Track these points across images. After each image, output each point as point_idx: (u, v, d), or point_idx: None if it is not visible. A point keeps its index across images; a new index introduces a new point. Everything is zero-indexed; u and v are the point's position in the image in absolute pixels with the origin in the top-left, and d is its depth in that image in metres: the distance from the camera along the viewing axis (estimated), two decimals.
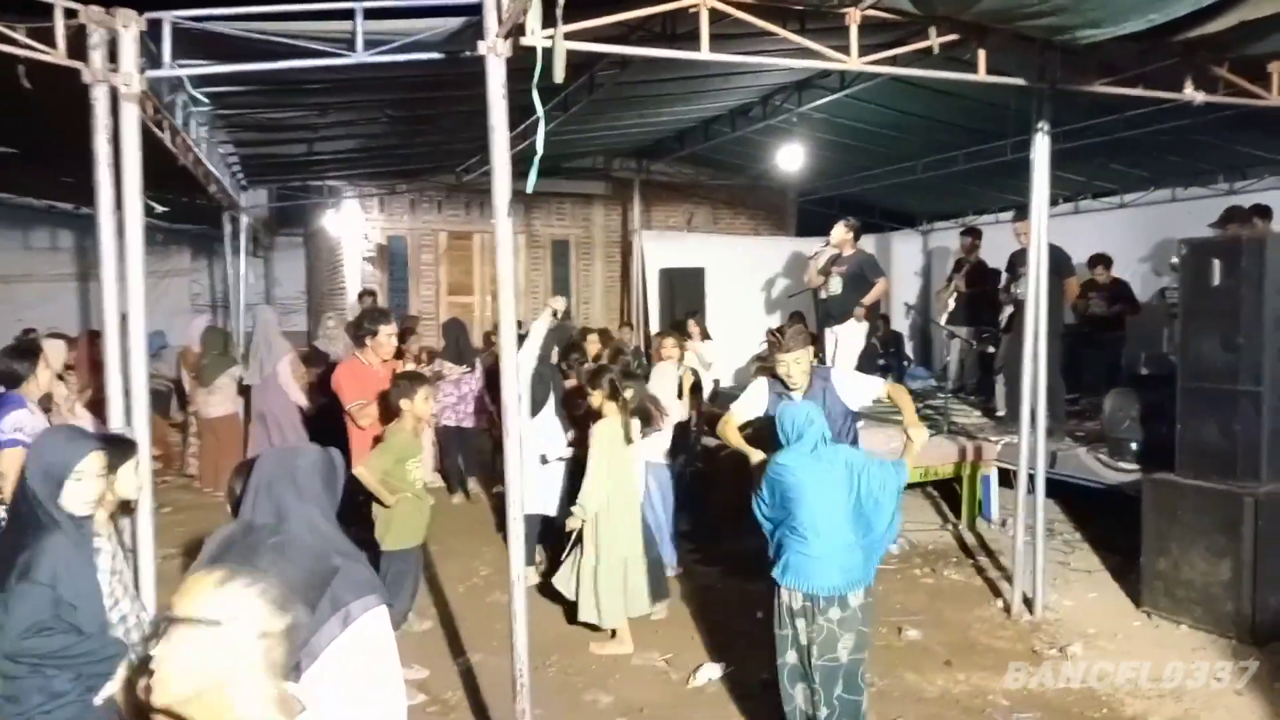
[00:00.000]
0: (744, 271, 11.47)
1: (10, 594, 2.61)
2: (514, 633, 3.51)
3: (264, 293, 13.37)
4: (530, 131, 3.60)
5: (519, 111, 3.67)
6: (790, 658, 3.65)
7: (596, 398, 5.14)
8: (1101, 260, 8.54)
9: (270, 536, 1.53)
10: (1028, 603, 5.45)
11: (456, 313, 11.29)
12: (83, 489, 2.75)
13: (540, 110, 3.44)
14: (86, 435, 2.99)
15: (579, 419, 5.81)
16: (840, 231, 7.77)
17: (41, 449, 2.84)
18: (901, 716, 4.28)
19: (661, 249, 11.74)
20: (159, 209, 4.87)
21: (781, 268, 11.46)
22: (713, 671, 4.67)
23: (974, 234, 9.47)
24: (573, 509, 4.97)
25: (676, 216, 12.97)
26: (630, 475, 5.18)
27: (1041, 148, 5.26)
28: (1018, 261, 8.12)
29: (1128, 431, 6.32)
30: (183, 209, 11.07)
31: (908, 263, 12.69)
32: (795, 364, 4.38)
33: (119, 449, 3.10)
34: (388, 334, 5.22)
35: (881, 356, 10.49)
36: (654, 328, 10.80)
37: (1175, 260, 5.61)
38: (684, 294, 10.96)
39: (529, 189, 3.62)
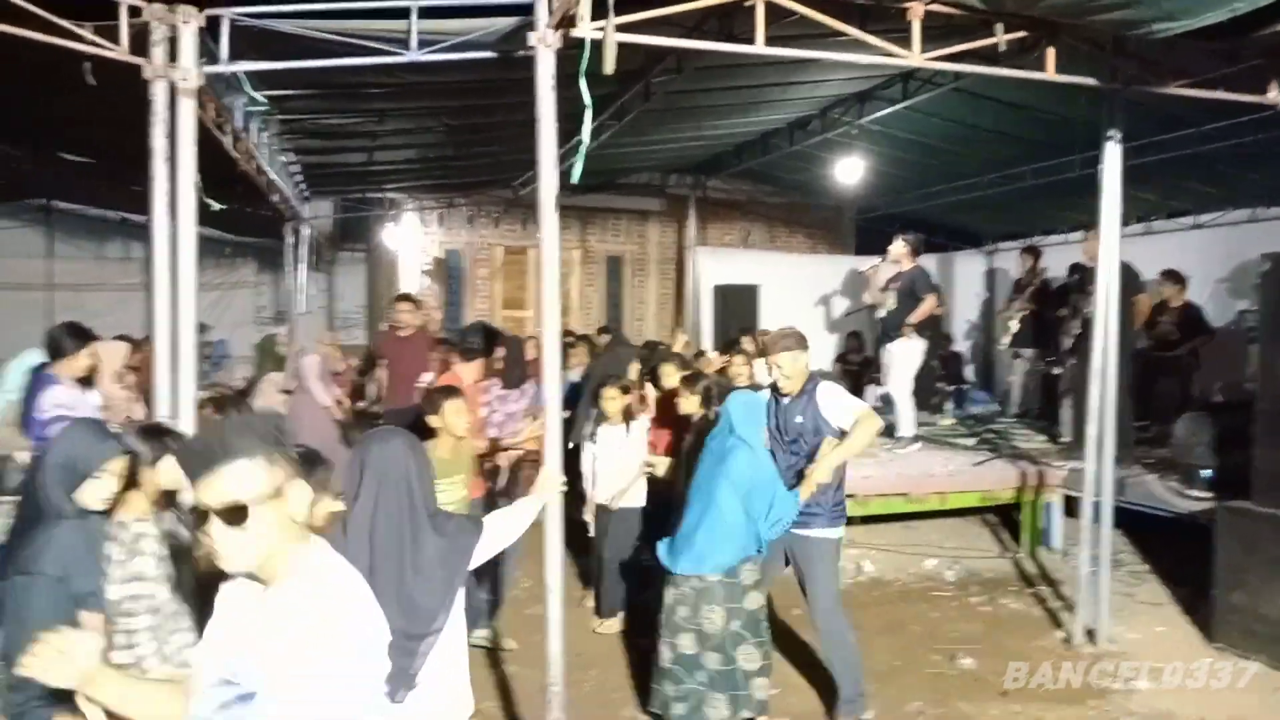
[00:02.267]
0: (799, 290, 11.30)
1: (17, 586, 2.57)
2: (549, 639, 3.42)
3: (326, 306, 13.58)
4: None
5: (571, 120, 3.61)
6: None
7: (690, 403, 4.99)
8: (1172, 277, 8.11)
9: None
10: (1090, 634, 5.19)
11: (511, 327, 11.33)
12: (102, 486, 2.72)
13: (588, 98, 3.38)
14: (113, 434, 2.98)
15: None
16: (899, 247, 7.60)
17: (70, 440, 2.79)
18: None
19: (716, 266, 11.65)
20: (216, 206, 4.92)
21: (838, 286, 11.27)
22: None
23: (1034, 253, 9.19)
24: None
25: (733, 234, 12.87)
26: None
27: (1112, 156, 5.05)
28: (1087, 279, 7.84)
29: (1200, 458, 6.02)
30: (248, 222, 11.34)
31: (971, 283, 12.39)
32: (776, 367, 4.24)
33: (162, 440, 3.09)
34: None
35: (942, 379, 10.22)
36: (707, 345, 10.68)
37: (1259, 279, 5.32)
38: (738, 311, 10.84)
39: (574, 178, 3.56)
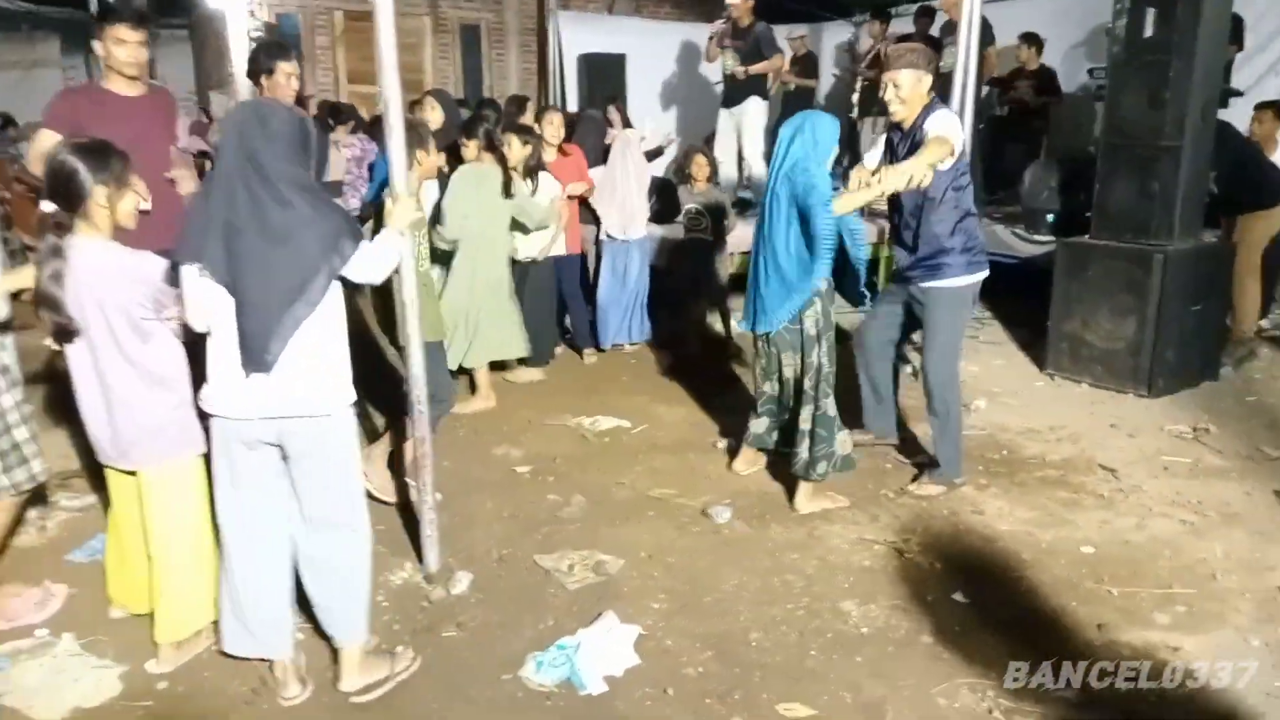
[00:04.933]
0: (669, 59, 10.88)
1: None
2: (410, 357, 3.19)
3: None
4: None
5: None
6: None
7: (471, 149, 4.88)
8: (1029, 40, 8.22)
9: None
10: None
11: (358, 103, 10.51)
12: None
13: None
14: None
15: None
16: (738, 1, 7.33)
17: None
18: None
19: (580, 34, 11.00)
20: None
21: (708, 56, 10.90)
22: (624, 424, 4.65)
23: (883, 19, 9.13)
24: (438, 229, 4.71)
25: (597, 2, 12.13)
26: (498, 226, 4.90)
27: None
28: (945, 31, 7.82)
29: (1046, 202, 6.27)
30: None
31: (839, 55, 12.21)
32: (893, 85, 3.65)
33: None
34: (286, 74, 4.15)
35: None
36: None
37: (1114, 17, 5.33)
38: (604, 83, 10.34)
39: None
